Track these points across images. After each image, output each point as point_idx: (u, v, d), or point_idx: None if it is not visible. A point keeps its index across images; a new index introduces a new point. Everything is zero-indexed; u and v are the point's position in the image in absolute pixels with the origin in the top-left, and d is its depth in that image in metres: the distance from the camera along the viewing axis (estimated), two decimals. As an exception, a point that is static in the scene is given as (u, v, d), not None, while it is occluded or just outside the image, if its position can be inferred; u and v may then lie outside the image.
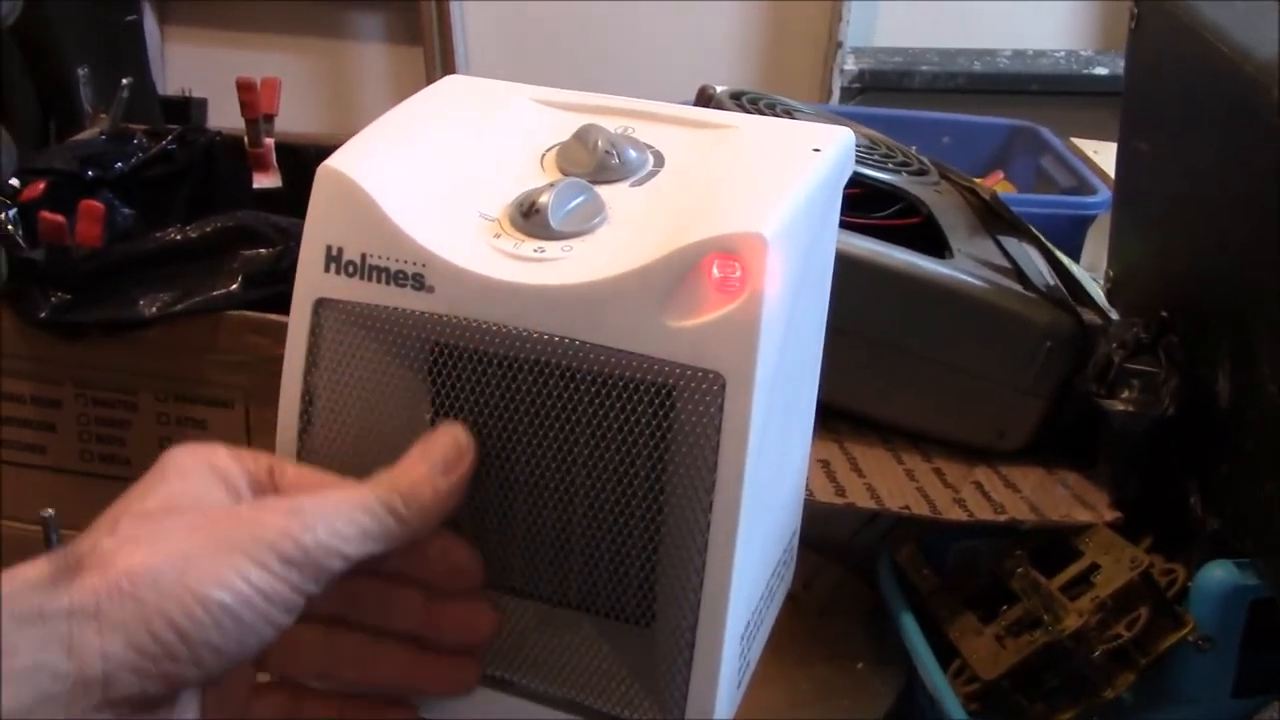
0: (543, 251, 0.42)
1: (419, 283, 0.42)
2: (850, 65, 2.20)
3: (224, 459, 0.40)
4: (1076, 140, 1.39)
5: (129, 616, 0.34)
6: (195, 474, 0.39)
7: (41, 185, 1.07)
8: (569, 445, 0.42)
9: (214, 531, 0.36)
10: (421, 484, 0.40)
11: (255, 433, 0.99)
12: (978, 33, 2.28)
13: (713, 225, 0.40)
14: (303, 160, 1.22)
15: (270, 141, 1.23)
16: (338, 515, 0.38)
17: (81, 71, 1.54)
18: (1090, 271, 0.99)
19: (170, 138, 1.21)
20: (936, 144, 1.35)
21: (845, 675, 0.69)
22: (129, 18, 1.87)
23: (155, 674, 0.35)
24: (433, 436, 0.42)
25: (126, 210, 1.15)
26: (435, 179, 0.44)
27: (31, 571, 0.35)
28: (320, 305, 0.43)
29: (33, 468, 1.04)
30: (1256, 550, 0.63)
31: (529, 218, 0.42)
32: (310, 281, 0.43)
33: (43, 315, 0.97)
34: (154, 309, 0.97)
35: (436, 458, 0.41)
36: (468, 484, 0.42)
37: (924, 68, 2.21)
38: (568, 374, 0.41)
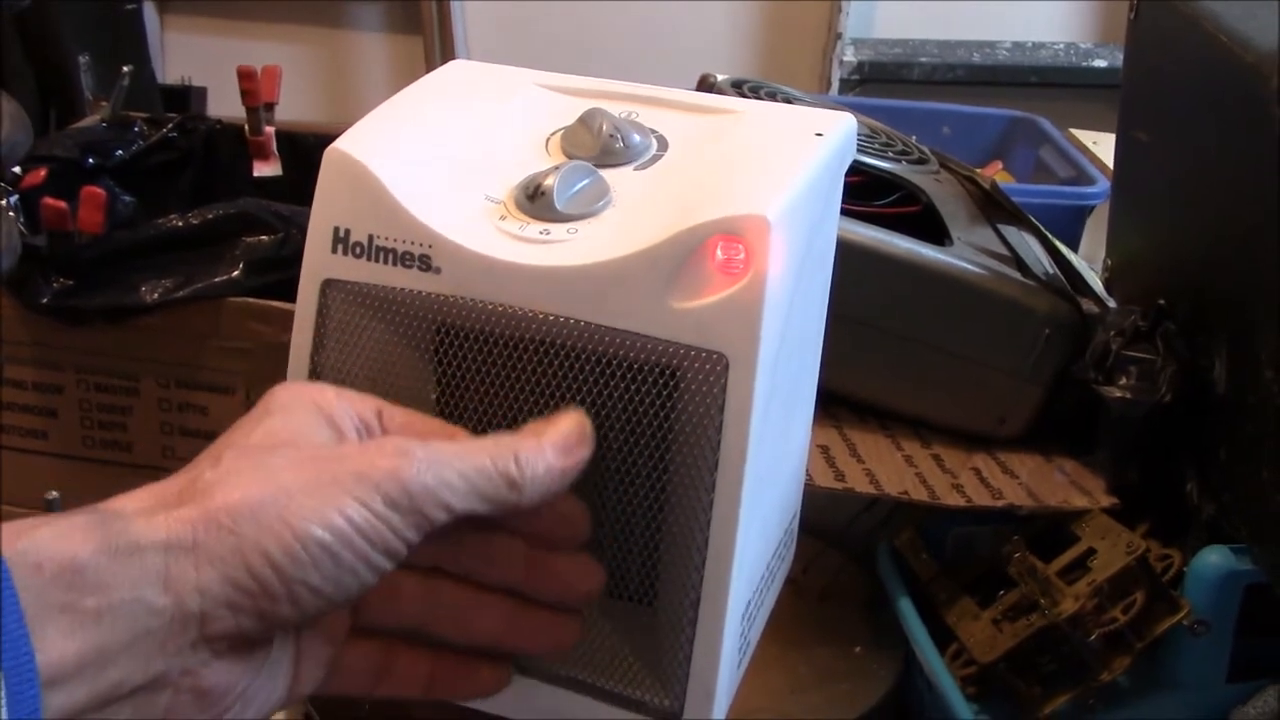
0: (548, 233, 0.42)
1: (425, 264, 0.42)
2: (850, 57, 2.20)
3: (330, 397, 0.39)
4: (1075, 131, 1.40)
5: (226, 551, 0.33)
6: (300, 411, 0.38)
7: (43, 172, 1.08)
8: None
9: (318, 468, 0.35)
10: (538, 458, 0.39)
11: (257, 419, 1.00)
12: (977, 25, 2.28)
13: (717, 207, 0.40)
14: (303, 148, 1.23)
15: (270, 130, 1.23)
16: (448, 466, 0.37)
17: (82, 59, 1.54)
18: (1089, 262, 1.00)
19: (170, 126, 1.21)
20: (936, 134, 1.36)
21: (844, 659, 0.70)
22: (129, 6, 1.87)
23: (251, 611, 0.34)
24: (558, 418, 0.40)
25: (127, 198, 1.15)
26: (442, 162, 0.44)
27: (131, 503, 0.35)
28: (327, 286, 0.43)
29: (34, 453, 1.05)
30: (1252, 536, 0.64)
31: (534, 200, 0.43)
32: (317, 262, 0.43)
33: (45, 301, 0.97)
34: (155, 295, 0.97)
35: (558, 437, 0.40)
36: (581, 471, 0.40)
37: (923, 59, 2.21)
38: (572, 355, 0.42)
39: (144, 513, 0.34)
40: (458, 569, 0.41)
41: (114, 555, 0.33)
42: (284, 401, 0.39)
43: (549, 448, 0.39)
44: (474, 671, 0.42)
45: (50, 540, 0.32)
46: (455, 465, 0.37)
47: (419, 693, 0.42)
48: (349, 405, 0.39)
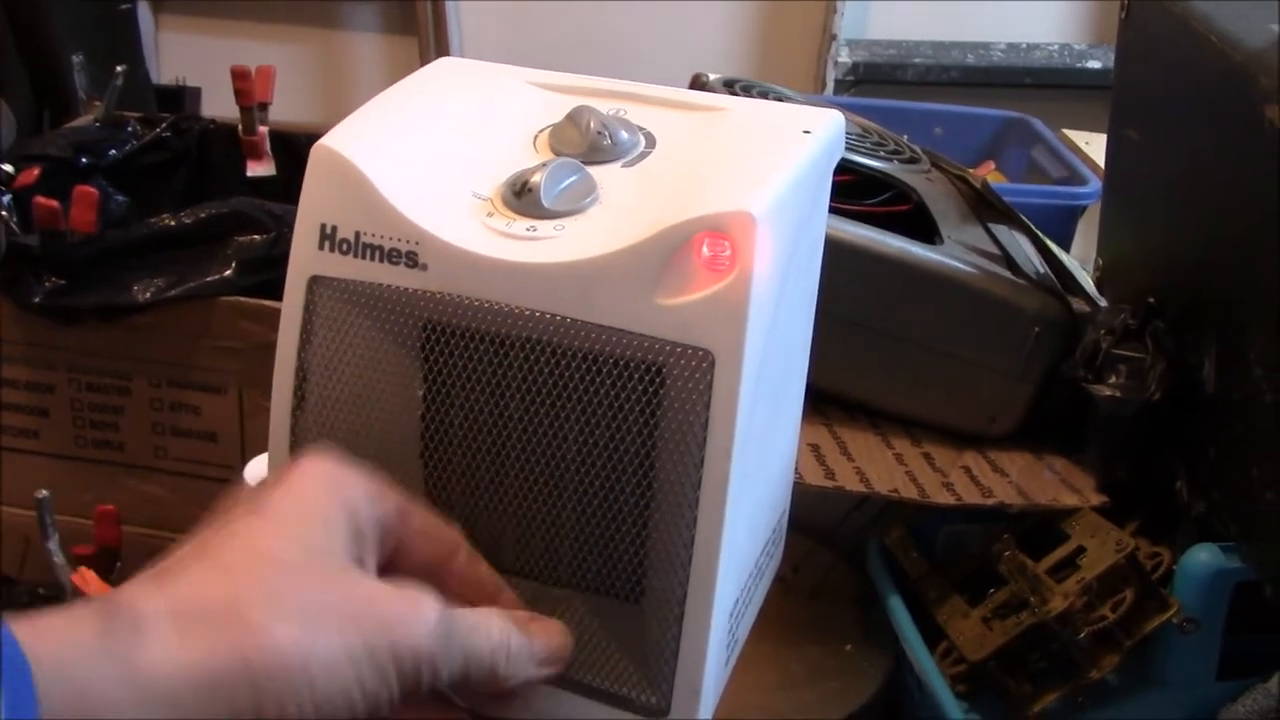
0: (535, 230, 0.42)
1: (412, 260, 0.42)
2: (844, 57, 2.21)
3: (361, 501, 0.39)
4: (1068, 132, 1.40)
5: (246, 699, 0.34)
6: (333, 523, 0.38)
7: (36, 171, 1.08)
8: (559, 423, 0.43)
9: (357, 628, 0.36)
10: (524, 664, 0.40)
11: (248, 417, 1.00)
12: (971, 26, 2.29)
13: (703, 204, 0.40)
14: (296, 148, 1.23)
15: (264, 129, 1.23)
16: (459, 648, 0.38)
17: (76, 59, 1.55)
18: (1081, 262, 1.00)
19: (164, 125, 1.21)
20: (929, 135, 1.36)
21: (834, 657, 0.70)
22: (123, 5, 1.87)
23: None
24: (551, 628, 0.42)
25: (120, 197, 1.16)
26: (429, 158, 0.44)
27: (152, 611, 0.34)
28: (314, 283, 0.44)
29: (26, 453, 1.05)
30: (1241, 534, 0.64)
31: (521, 197, 0.43)
32: (304, 259, 0.44)
33: (37, 300, 0.97)
34: (148, 294, 0.97)
35: (546, 652, 0.41)
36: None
37: (917, 60, 2.22)
38: (558, 352, 0.42)
39: (175, 634, 0.34)
40: None
41: (139, 689, 0.33)
42: (318, 506, 0.38)
43: (538, 657, 0.41)
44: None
45: (80, 666, 0.32)
46: (464, 646, 0.38)
47: None
48: (376, 512, 0.39)
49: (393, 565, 0.40)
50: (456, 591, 0.41)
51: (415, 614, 0.37)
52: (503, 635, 0.40)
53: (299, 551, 0.37)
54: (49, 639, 0.32)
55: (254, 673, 0.34)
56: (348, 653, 0.35)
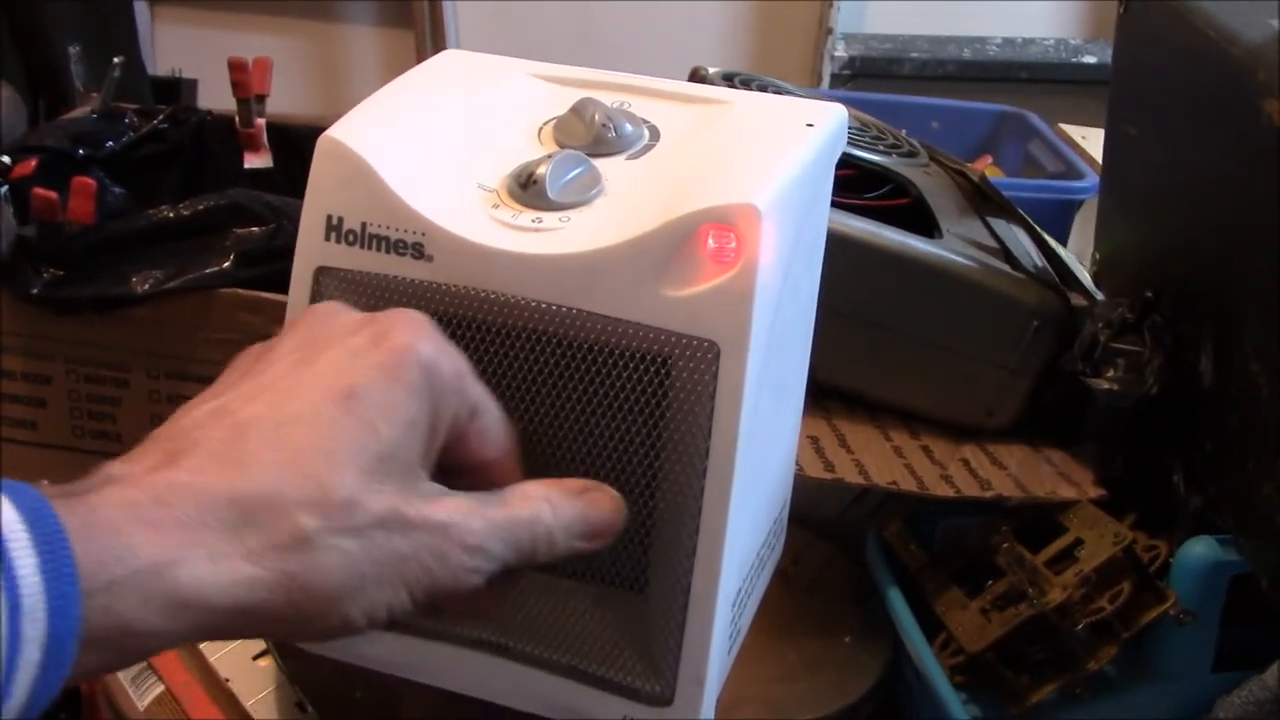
0: (540, 222, 0.42)
1: (418, 251, 0.42)
2: (840, 52, 2.21)
3: (449, 392, 0.38)
4: (1065, 126, 1.40)
5: (282, 620, 0.34)
6: (417, 419, 0.37)
7: (33, 163, 1.07)
8: (565, 414, 0.43)
9: (397, 564, 0.36)
10: (567, 536, 0.40)
11: (247, 410, 0.99)
12: (968, 20, 2.29)
13: (708, 196, 0.41)
14: (294, 141, 1.22)
15: (261, 122, 1.22)
16: (493, 547, 0.38)
17: (72, 50, 1.54)
18: (1077, 257, 1.00)
19: (161, 117, 1.21)
20: (926, 129, 1.36)
21: (833, 649, 0.70)
22: (119, -3, 1.86)
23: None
24: (602, 499, 0.42)
25: (117, 189, 1.15)
26: (435, 150, 0.44)
27: (193, 503, 0.33)
28: (320, 273, 0.44)
29: (23, 444, 1.04)
30: (1238, 527, 0.64)
31: (527, 189, 0.43)
32: (310, 250, 0.44)
33: (34, 291, 0.97)
34: (146, 286, 0.97)
35: (592, 521, 0.41)
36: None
37: (914, 55, 2.22)
38: (564, 343, 0.42)
39: (217, 544, 0.33)
40: None
41: (178, 614, 0.32)
42: (407, 394, 0.36)
43: (578, 529, 0.41)
44: None
45: (122, 593, 0.32)
46: (498, 550, 0.38)
47: None
48: (454, 406, 0.38)
49: (443, 454, 0.39)
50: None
51: (464, 529, 0.37)
52: (546, 504, 0.39)
53: (372, 460, 0.35)
54: (100, 545, 0.31)
55: (298, 610, 0.34)
56: (390, 591, 0.35)
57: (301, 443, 0.34)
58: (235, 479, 0.33)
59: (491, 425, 0.40)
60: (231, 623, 0.34)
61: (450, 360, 0.38)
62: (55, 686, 0.31)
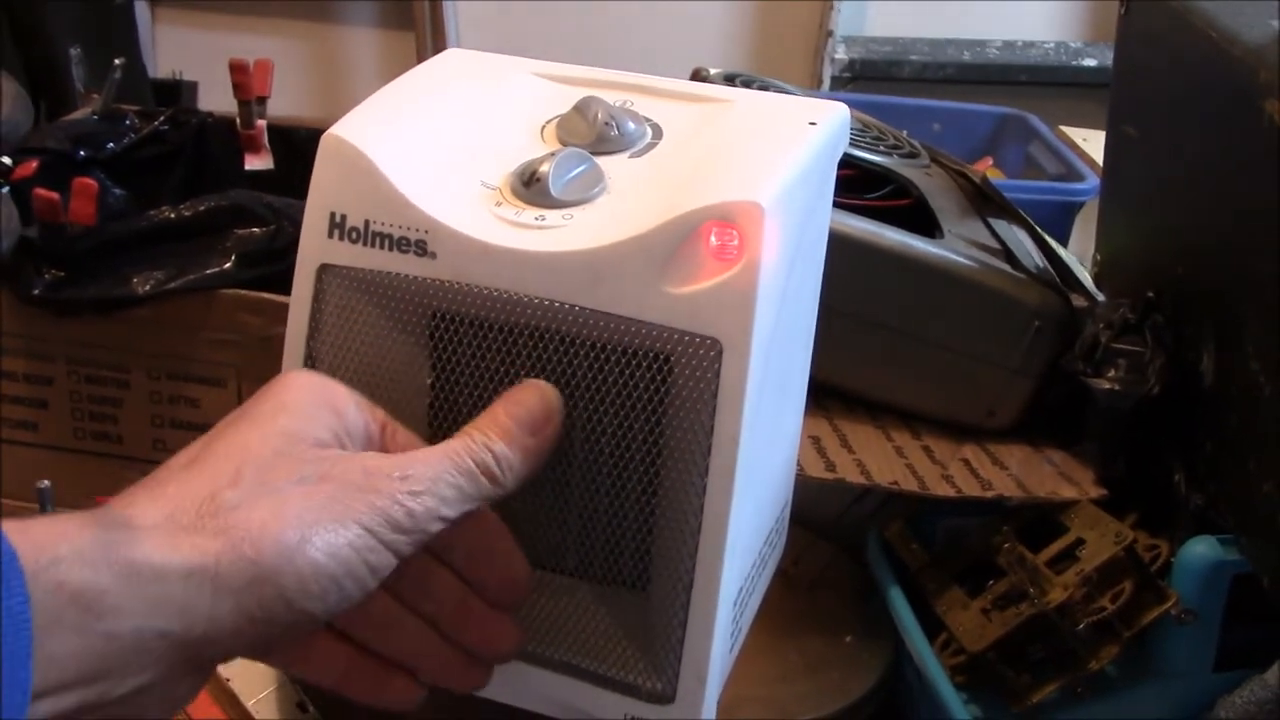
0: (543, 219, 0.42)
1: (421, 249, 0.42)
2: (841, 54, 2.21)
3: (344, 404, 0.40)
4: (1065, 128, 1.40)
5: (243, 583, 0.34)
6: (315, 415, 0.39)
7: (34, 164, 1.07)
8: (567, 411, 0.43)
9: (333, 497, 0.36)
10: (512, 448, 0.40)
11: (248, 410, 1.00)
12: (968, 23, 2.29)
13: (711, 194, 0.41)
14: (294, 142, 1.23)
15: (262, 123, 1.23)
16: (440, 479, 0.38)
17: (73, 52, 1.54)
18: (1078, 259, 1.00)
19: (162, 119, 1.21)
20: (927, 131, 1.36)
21: (834, 648, 0.70)
22: (120, -1, 1.86)
23: (250, 636, 0.35)
24: (521, 394, 0.41)
25: (118, 191, 1.15)
26: (438, 148, 0.45)
27: (147, 515, 0.35)
28: (323, 271, 0.44)
29: (25, 445, 1.05)
30: (1239, 527, 0.64)
31: (530, 186, 0.43)
32: (313, 247, 0.44)
33: (36, 292, 0.97)
34: (147, 287, 0.97)
35: (524, 416, 0.41)
36: (555, 444, 0.42)
37: (914, 57, 2.22)
38: (566, 340, 0.42)
39: (163, 531, 0.34)
40: (394, 586, 0.40)
41: (133, 580, 0.33)
42: (300, 401, 0.39)
43: (519, 432, 0.40)
44: (386, 680, 0.42)
45: (72, 563, 0.32)
46: (447, 479, 0.38)
47: (330, 684, 0.41)
48: (361, 416, 0.40)
49: None
50: None
51: (397, 480, 0.37)
52: (478, 445, 0.39)
53: (278, 439, 0.37)
54: (36, 535, 0.32)
55: (252, 564, 0.34)
56: (339, 532, 0.35)
57: (207, 453, 0.37)
58: (159, 491, 0.36)
59: (412, 444, 0.41)
60: (194, 596, 0.34)
61: (344, 388, 0.41)
62: (24, 683, 0.31)
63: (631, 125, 0.46)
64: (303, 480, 0.36)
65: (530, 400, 0.41)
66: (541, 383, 0.42)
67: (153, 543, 0.34)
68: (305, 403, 0.39)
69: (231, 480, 0.36)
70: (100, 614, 0.32)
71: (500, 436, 0.40)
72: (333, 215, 0.43)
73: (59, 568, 0.32)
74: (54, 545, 0.32)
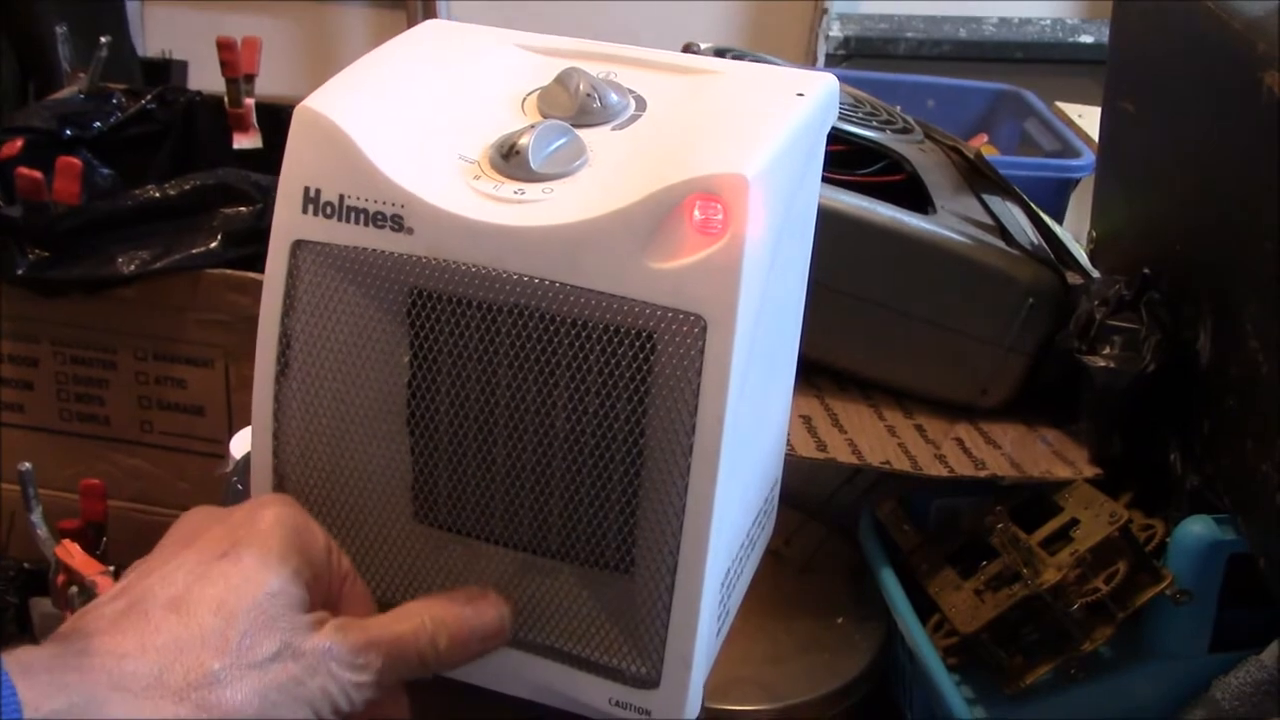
0: (523, 193, 0.41)
1: (398, 224, 0.41)
2: (836, 31, 2.19)
3: (318, 549, 0.42)
4: (1061, 105, 1.39)
5: None
6: (295, 567, 0.41)
7: (19, 143, 1.06)
8: (548, 390, 0.42)
9: (296, 680, 0.39)
10: (458, 647, 0.43)
11: (235, 391, 0.99)
12: (963, 0, 2.28)
13: (694, 167, 0.40)
14: (283, 121, 1.20)
15: (250, 101, 1.21)
16: (389, 669, 0.41)
17: (60, 30, 1.52)
18: (1074, 236, 0.99)
19: (149, 97, 1.20)
20: (922, 107, 1.35)
21: (826, 630, 0.69)
22: (107, -23, 1.85)
23: None
24: (484, 605, 0.44)
25: (105, 170, 1.14)
26: (415, 121, 0.43)
27: (135, 666, 0.36)
28: (298, 247, 0.43)
29: (10, 426, 1.04)
30: (1235, 507, 0.63)
31: (509, 159, 0.42)
32: (287, 223, 0.43)
33: (20, 272, 0.96)
34: (133, 267, 0.96)
35: (479, 630, 0.43)
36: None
37: (909, 34, 2.21)
38: (547, 317, 0.41)
39: (153, 696, 0.36)
40: None
41: None
42: (283, 550, 0.41)
43: (470, 640, 0.43)
44: None
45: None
46: (395, 668, 0.41)
47: None
48: (330, 563, 0.42)
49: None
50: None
51: (349, 650, 0.40)
52: (427, 632, 0.42)
53: (266, 602, 0.39)
54: (31, 678, 0.34)
55: None
56: (296, 708, 0.38)
57: (195, 598, 0.39)
58: (145, 636, 0.37)
59: (363, 591, 0.44)
60: None
61: (319, 529, 0.43)
62: None
63: (614, 97, 0.45)
64: (279, 655, 0.39)
65: (491, 615, 0.44)
66: (505, 607, 0.44)
67: (134, 703, 0.36)
68: (287, 551, 0.41)
69: (219, 649, 0.38)
70: None
71: (450, 638, 0.42)
72: (307, 190, 0.42)
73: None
74: (51, 700, 0.34)
